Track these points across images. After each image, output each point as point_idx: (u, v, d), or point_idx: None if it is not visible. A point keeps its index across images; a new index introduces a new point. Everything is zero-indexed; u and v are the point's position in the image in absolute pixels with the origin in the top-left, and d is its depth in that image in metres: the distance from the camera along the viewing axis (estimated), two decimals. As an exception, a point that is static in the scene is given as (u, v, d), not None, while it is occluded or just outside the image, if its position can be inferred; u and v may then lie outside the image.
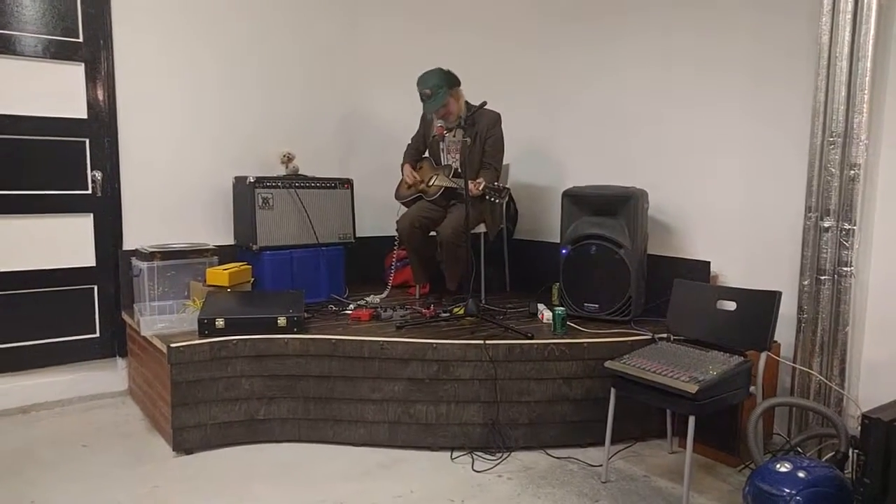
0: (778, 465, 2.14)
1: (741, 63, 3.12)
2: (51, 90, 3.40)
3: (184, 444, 2.85)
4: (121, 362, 3.66)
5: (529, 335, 2.91)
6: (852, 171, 2.61)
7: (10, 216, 3.34)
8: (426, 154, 3.80)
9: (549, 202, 4.17)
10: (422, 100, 3.46)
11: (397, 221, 3.61)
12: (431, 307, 3.45)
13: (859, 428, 2.05)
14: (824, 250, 2.70)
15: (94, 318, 3.60)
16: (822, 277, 2.71)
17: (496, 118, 3.54)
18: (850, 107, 2.60)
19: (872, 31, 2.53)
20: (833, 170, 2.66)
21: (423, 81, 3.43)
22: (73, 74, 3.46)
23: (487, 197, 3.19)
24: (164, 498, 2.47)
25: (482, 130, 3.49)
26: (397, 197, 3.81)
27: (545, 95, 4.20)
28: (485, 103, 3.34)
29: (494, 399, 2.85)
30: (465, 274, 3.47)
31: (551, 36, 4.14)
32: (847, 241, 2.64)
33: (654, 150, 3.55)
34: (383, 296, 3.88)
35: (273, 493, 2.52)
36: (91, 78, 3.49)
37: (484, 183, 3.22)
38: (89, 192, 3.54)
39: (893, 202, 2.60)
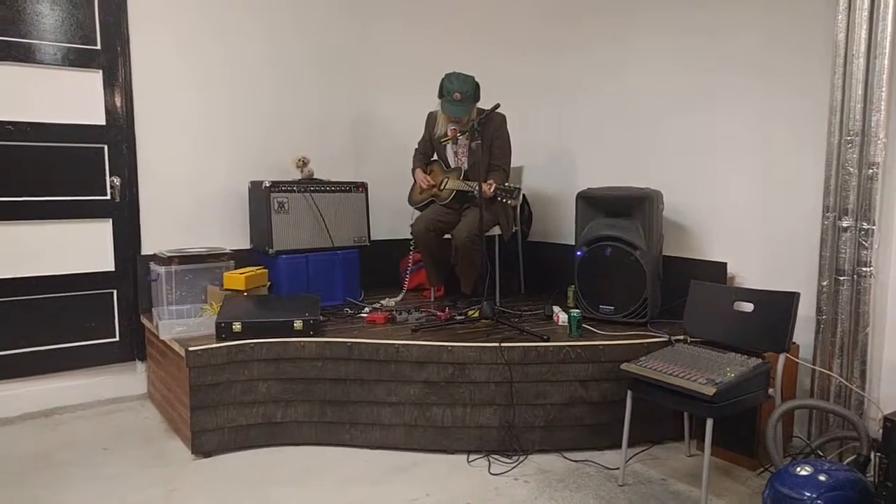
0: (798, 469, 2.11)
1: (755, 62, 3.10)
2: (70, 97, 3.45)
3: (202, 447, 2.87)
4: (140, 366, 3.70)
5: (545, 338, 2.90)
6: (870, 170, 2.58)
7: (31, 222, 3.39)
8: (434, 157, 3.80)
9: (563, 204, 4.16)
10: (444, 95, 3.40)
11: (412, 225, 3.62)
12: (446, 310, 3.46)
13: (881, 430, 2.02)
14: (843, 250, 2.67)
15: (114, 323, 3.64)
16: (842, 278, 2.68)
17: (501, 120, 3.53)
18: (868, 105, 2.57)
19: (890, 28, 2.50)
20: (851, 169, 2.63)
21: (458, 82, 3.37)
22: (92, 81, 3.50)
23: (499, 198, 3.18)
24: (182, 500, 2.49)
25: (489, 133, 3.48)
26: (411, 202, 3.82)
27: (557, 98, 4.20)
28: (498, 105, 3.34)
29: (510, 402, 2.85)
30: (479, 277, 3.47)
31: (562, 38, 4.13)
32: (866, 241, 2.60)
33: (669, 150, 3.54)
34: (398, 299, 3.89)
35: (291, 495, 2.53)
36: (109, 85, 3.54)
37: (495, 185, 3.22)
38: (108, 197, 3.58)
39: (913, 201, 2.57)
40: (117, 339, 3.65)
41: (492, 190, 3.20)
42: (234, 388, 2.90)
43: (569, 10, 4.07)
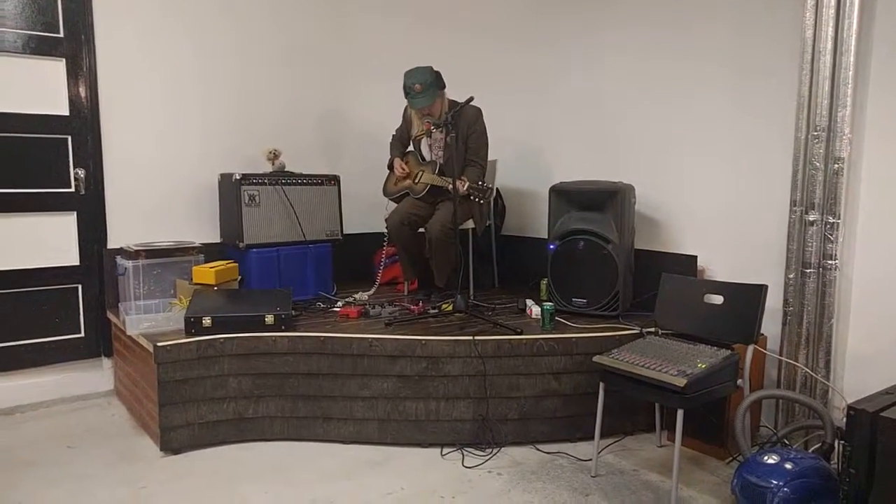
0: (765, 457, 2.16)
1: (726, 57, 3.14)
2: (31, 86, 3.34)
3: (171, 444, 2.82)
4: (106, 362, 3.63)
5: (518, 331, 2.91)
6: (836, 165, 2.63)
7: (-8, 215, 3.29)
8: (410, 148, 3.79)
9: (536, 198, 4.17)
10: (407, 93, 3.42)
11: (386, 219, 3.60)
12: (420, 304, 3.45)
13: (845, 419, 2.07)
14: (809, 244, 2.72)
15: (79, 318, 3.56)
16: (808, 271, 2.73)
17: (477, 113, 3.53)
18: (834, 101, 2.62)
19: (855, 26, 2.55)
20: (818, 164, 2.68)
21: (414, 76, 3.40)
22: (54, 70, 3.40)
23: (472, 197, 3.20)
24: (151, 498, 2.44)
25: (464, 127, 3.48)
26: (385, 193, 3.79)
27: (531, 91, 4.20)
28: (471, 98, 3.33)
29: (484, 395, 2.85)
30: (453, 270, 3.46)
31: (534, 31, 4.13)
32: (832, 235, 2.66)
33: (641, 144, 3.57)
34: (371, 293, 3.87)
35: (262, 491, 2.50)
36: (72, 74, 3.44)
37: (468, 183, 3.23)
38: (72, 189, 3.49)
39: (877, 196, 2.62)
40: (82, 334, 3.57)
41: (465, 188, 3.21)
42: (204, 384, 2.86)
43: (544, 3, 4.07)
